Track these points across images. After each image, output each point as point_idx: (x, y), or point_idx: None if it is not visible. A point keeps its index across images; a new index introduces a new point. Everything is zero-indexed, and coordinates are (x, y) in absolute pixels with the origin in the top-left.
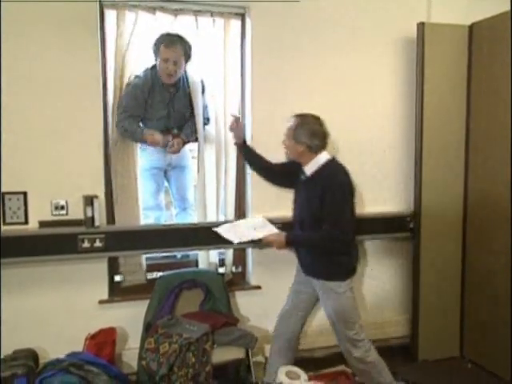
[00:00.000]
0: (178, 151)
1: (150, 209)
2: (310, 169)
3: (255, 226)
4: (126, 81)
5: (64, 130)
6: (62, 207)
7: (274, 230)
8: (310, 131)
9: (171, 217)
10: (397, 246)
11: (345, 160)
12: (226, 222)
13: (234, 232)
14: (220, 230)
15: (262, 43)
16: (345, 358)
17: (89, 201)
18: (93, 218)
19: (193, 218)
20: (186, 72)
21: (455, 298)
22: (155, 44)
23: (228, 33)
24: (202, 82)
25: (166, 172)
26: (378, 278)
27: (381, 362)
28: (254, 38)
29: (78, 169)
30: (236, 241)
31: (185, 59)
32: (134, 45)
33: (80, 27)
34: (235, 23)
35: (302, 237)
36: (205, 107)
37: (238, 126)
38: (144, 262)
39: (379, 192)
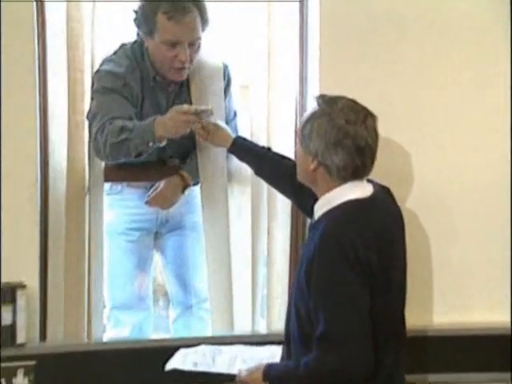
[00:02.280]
0: (169, 203)
1: (123, 308)
2: (319, 207)
3: (252, 359)
4: (88, 70)
5: None
6: None
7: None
8: (328, 135)
9: (165, 321)
10: None
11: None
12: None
13: (201, 356)
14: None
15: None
16: None
17: (7, 295)
18: (13, 329)
19: (207, 325)
20: None
21: None
22: (144, 11)
23: None
24: (226, 68)
25: (156, 237)
26: None
27: None
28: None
29: None
30: (174, 365)
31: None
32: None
33: None
34: None
35: (282, 372)
36: (231, 115)
37: (214, 130)
38: None
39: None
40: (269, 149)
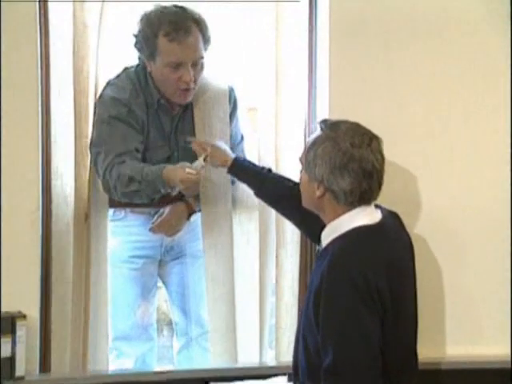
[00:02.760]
0: (174, 230)
1: (126, 339)
2: (327, 235)
3: None
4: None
5: None
6: None
7: None
8: (333, 159)
9: (169, 351)
10: None
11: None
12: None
13: None
14: None
15: (348, 24)
16: None
17: (7, 325)
18: (12, 361)
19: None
20: None
21: None
22: (144, 34)
23: (283, 3)
24: (232, 91)
25: (160, 264)
26: None
27: None
28: (334, 16)
29: None
30: None
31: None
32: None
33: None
34: None
35: None
36: (238, 138)
37: (212, 151)
38: None
39: None
40: (269, 170)
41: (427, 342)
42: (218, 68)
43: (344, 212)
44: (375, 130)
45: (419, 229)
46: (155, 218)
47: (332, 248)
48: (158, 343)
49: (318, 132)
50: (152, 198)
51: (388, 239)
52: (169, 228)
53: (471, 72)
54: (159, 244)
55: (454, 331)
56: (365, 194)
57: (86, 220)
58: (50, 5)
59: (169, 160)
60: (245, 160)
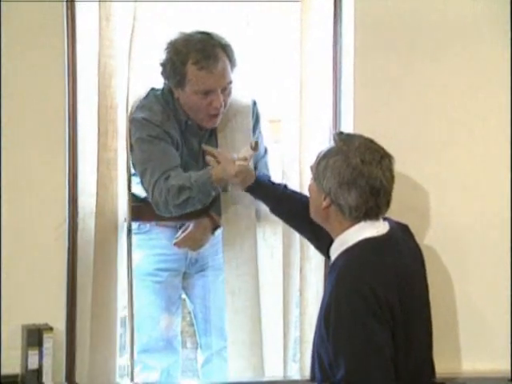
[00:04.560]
0: (198, 245)
1: (151, 351)
2: (335, 249)
3: None
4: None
5: None
6: None
7: None
8: (342, 174)
9: (192, 363)
10: None
11: None
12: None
13: None
14: None
15: (373, 34)
16: None
17: (34, 337)
18: (39, 373)
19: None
20: None
21: None
22: (172, 63)
23: (307, 15)
24: (254, 106)
25: (184, 277)
26: None
27: None
28: (359, 23)
29: (16, 275)
30: None
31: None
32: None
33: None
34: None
35: None
36: (262, 152)
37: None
38: None
39: None
40: (285, 186)
41: (441, 357)
42: (241, 80)
43: (350, 225)
44: (392, 142)
45: (430, 241)
46: (179, 232)
47: (340, 262)
48: (181, 355)
49: (331, 143)
50: (204, 203)
51: (396, 250)
52: (193, 243)
53: (496, 86)
54: (184, 257)
55: (468, 345)
56: (371, 210)
57: (112, 233)
58: (77, 21)
59: None
60: (263, 177)
